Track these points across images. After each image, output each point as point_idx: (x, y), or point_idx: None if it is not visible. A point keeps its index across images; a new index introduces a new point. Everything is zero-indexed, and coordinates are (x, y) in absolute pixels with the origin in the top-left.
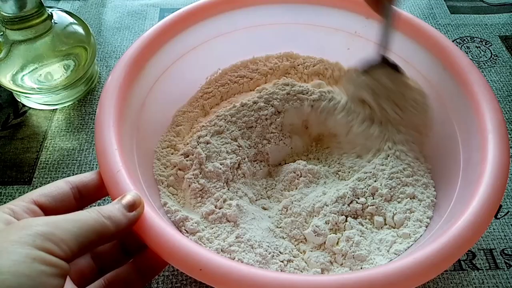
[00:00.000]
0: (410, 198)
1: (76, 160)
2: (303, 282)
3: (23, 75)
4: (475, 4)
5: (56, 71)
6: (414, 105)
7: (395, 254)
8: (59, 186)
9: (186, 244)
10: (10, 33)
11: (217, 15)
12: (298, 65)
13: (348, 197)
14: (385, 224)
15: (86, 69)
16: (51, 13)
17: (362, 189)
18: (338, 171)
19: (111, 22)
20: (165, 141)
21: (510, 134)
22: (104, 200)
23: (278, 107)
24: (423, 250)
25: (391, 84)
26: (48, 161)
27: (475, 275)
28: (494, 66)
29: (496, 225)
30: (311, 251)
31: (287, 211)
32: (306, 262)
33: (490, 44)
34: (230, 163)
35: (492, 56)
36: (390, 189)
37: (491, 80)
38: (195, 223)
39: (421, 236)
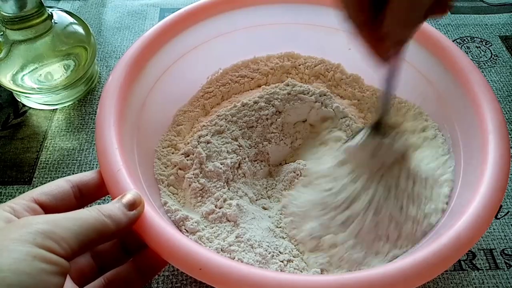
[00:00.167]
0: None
1: (76, 160)
2: (303, 282)
3: (23, 75)
4: (475, 4)
5: (56, 71)
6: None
7: (393, 256)
8: (60, 185)
9: (186, 244)
10: (10, 33)
11: (217, 15)
12: (299, 65)
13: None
14: None
15: (86, 69)
16: (51, 13)
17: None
18: None
19: (111, 22)
20: (165, 140)
21: (510, 135)
22: (104, 199)
23: (279, 107)
24: (423, 251)
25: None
26: (48, 161)
27: (475, 275)
28: (494, 66)
29: (496, 225)
30: (310, 251)
31: (286, 210)
32: (305, 262)
33: (490, 44)
34: (231, 162)
35: (492, 56)
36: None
37: (491, 80)
38: (195, 222)
39: None
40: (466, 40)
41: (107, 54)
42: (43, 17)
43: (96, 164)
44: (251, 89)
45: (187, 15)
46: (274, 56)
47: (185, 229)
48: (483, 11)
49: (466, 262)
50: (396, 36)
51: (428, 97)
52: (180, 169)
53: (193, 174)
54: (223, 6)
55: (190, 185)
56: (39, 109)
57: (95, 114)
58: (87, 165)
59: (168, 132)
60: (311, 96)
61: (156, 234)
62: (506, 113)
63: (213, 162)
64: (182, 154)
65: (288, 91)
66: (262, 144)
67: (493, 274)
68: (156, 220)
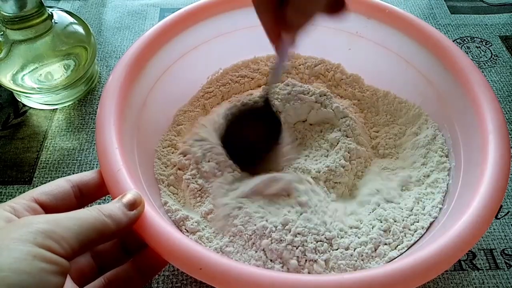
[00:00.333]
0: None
1: (76, 160)
2: (303, 282)
3: (24, 75)
4: (475, 4)
5: (56, 71)
6: None
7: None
8: (60, 185)
9: (186, 244)
10: (11, 33)
11: (217, 15)
12: (299, 65)
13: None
14: None
15: (86, 69)
16: (51, 13)
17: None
18: None
19: (111, 22)
20: (165, 140)
21: (510, 135)
22: (105, 199)
23: (279, 107)
24: (424, 251)
25: None
26: (48, 160)
27: (475, 275)
28: (494, 66)
29: (496, 225)
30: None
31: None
32: None
33: (490, 44)
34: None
35: (492, 56)
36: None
37: (491, 80)
38: (195, 222)
39: (422, 236)
40: (466, 40)
41: (107, 54)
42: (43, 17)
43: (96, 164)
44: (251, 89)
45: (187, 15)
46: (274, 56)
47: (185, 229)
48: (483, 11)
49: (466, 262)
50: (296, 23)
51: (428, 97)
52: (179, 169)
53: (191, 175)
54: (223, 6)
55: (188, 186)
56: (39, 109)
57: (95, 114)
58: (87, 165)
59: (168, 132)
60: (311, 96)
61: (156, 234)
62: (506, 113)
63: (208, 162)
64: (180, 153)
65: (288, 91)
66: None
67: (493, 274)
68: (156, 220)
